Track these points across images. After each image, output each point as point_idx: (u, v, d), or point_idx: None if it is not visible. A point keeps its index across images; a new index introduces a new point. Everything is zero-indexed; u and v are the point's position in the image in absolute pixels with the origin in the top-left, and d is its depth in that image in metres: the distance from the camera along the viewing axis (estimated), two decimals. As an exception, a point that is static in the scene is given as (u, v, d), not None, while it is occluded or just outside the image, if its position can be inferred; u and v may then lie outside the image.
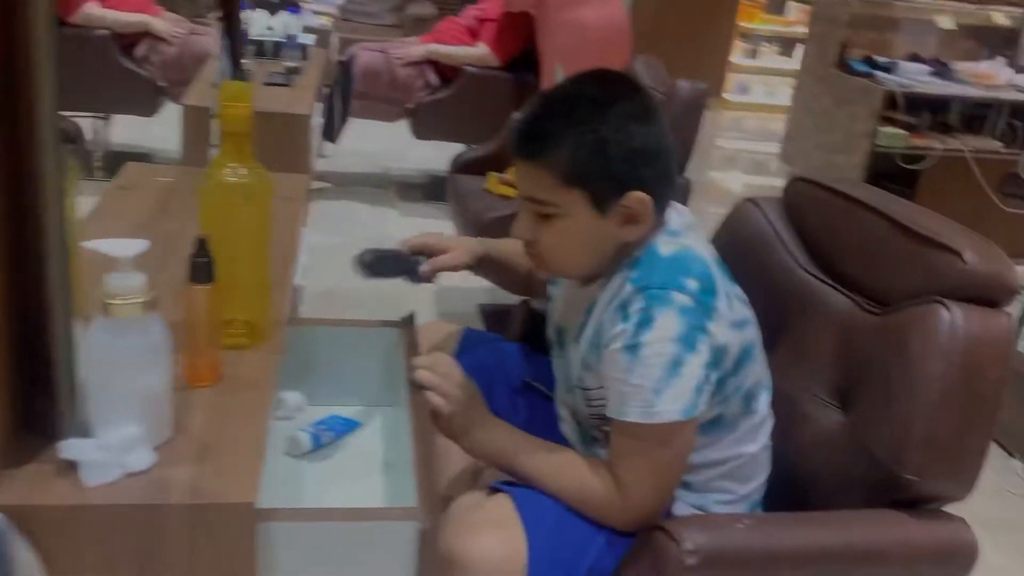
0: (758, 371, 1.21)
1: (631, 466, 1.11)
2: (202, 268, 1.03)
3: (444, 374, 1.17)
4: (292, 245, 1.59)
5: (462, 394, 1.17)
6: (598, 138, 1.10)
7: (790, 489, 1.31)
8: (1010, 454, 2.61)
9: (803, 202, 1.48)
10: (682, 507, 1.21)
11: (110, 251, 0.91)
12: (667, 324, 1.07)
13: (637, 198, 1.13)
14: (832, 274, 1.40)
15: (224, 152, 1.10)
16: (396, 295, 3.22)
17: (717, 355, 1.11)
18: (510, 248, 1.44)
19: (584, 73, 1.18)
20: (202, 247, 1.03)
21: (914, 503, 1.19)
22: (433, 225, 3.94)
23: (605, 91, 1.14)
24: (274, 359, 1.18)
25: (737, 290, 1.21)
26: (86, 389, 0.94)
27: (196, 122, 2.36)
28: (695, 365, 1.07)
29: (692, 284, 1.09)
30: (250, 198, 1.11)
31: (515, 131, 1.14)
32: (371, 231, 3.81)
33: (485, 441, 1.19)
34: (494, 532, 1.06)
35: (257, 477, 0.94)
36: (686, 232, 1.18)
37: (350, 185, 4.37)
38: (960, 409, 1.15)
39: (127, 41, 3.75)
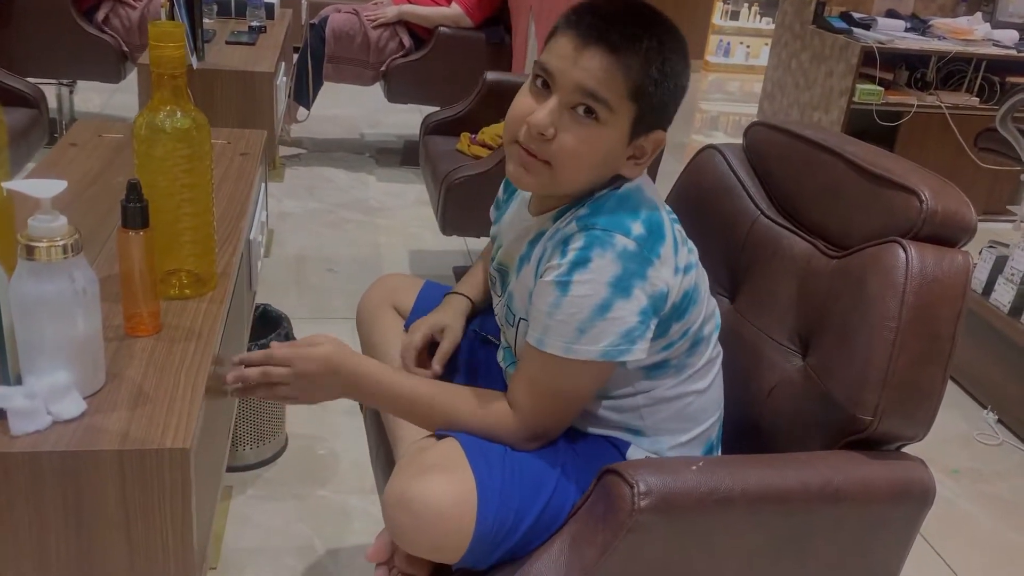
0: (705, 313, 1.19)
1: (533, 391, 1.10)
2: (134, 213, 1.00)
3: (266, 359, 1.09)
4: (246, 199, 1.55)
5: (291, 370, 1.09)
6: (670, 62, 1.06)
7: (750, 436, 1.30)
8: (982, 405, 2.62)
9: (763, 146, 1.45)
10: (636, 451, 1.19)
11: (30, 191, 0.88)
12: (603, 266, 1.04)
13: (658, 138, 1.11)
14: (793, 219, 1.38)
15: (157, 96, 1.07)
16: (367, 258, 3.21)
17: (657, 301, 1.08)
18: (480, 278, 1.43)
19: None
20: (133, 192, 1.00)
21: (872, 444, 1.18)
22: (409, 189, 3.94)
23: (667, 19, 1.09)
24: (218, 309, 1.15)
25: (684, 235, 1.18)
26: (13, 336, 0.91)
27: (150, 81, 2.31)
28: (625, 310, 1.05)
29: (637, 228, 1.06)
30: (185, 142, 1.07)
31: (598, 16, 1.05)
32: (348, 196, 3.77)
33: (366, 397, 1.17)
34: (443, 475, 1.04)
35: (192, 423, 0.92)
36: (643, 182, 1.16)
37: (326, 151, 4.32)
38: (916, 348, 1.14)
39: (87, 5, 3.67)
